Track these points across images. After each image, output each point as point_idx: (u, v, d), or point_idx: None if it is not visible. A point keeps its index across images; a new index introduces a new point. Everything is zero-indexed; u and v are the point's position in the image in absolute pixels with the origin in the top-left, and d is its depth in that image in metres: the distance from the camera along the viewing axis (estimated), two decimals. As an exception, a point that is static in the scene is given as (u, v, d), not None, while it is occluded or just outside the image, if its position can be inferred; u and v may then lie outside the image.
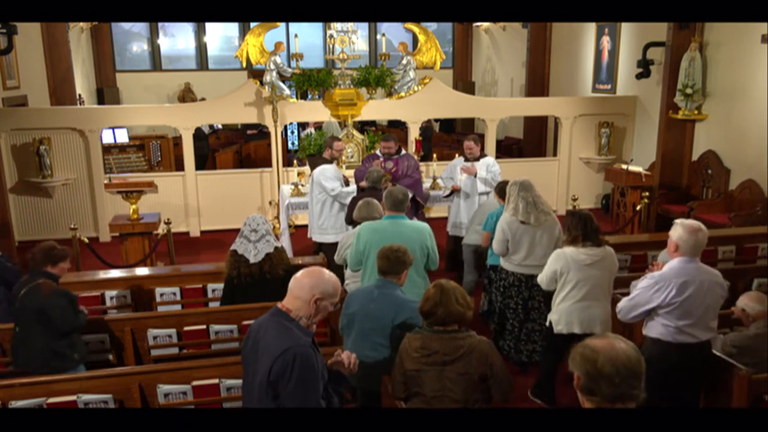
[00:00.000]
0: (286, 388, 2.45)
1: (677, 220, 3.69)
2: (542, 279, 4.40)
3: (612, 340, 1.96)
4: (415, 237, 4.41)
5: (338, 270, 5.70)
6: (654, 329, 3.63)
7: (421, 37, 9.73)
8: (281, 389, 2.47)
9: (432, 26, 14.70)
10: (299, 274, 2.66)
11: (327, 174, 6.50)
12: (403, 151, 7.18)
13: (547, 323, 4.48)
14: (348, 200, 6.33)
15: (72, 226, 6.98)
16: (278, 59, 9.37)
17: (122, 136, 11.74)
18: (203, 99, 13.55)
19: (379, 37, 15.94)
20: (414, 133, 9.59)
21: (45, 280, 4.10)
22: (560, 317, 4.30)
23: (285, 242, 7.11)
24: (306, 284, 2.58)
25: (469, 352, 3.03)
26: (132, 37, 15.67)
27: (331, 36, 8.75)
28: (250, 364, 2.65)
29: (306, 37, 14.17)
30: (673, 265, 3.59)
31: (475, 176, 6.79)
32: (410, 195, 6.70)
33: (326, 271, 2.68)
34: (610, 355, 1.89)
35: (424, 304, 3.13)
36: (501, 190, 5.53)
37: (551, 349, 4.57)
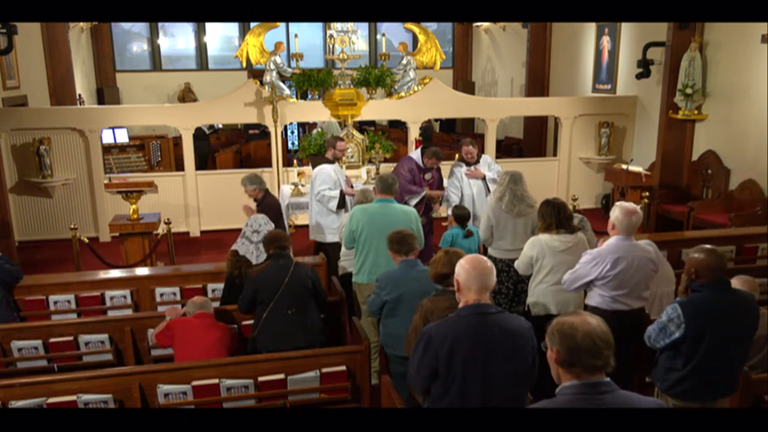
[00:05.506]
0: (537, 357, 2.74)
1: (617, 203, 4.07)
2: (519, 264, 4.62)
3: (585, 316, 2.12)
4: (402, 218, 4.83)
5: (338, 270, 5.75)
6: (593, 299, 4.09)
7: (421, 37, 9.74)
8: (537, 360, 2.77)
9: (432, 26, 14.71)
10: (483, 270, 2.82)
11: (320, 176, 6.45)
12: None
13: (525, 308, 4.66)
14: (330, 204, 6.37)
15: (72, 226, 6.98)
16: (278, 59, 9.37)
17: (122, 136, 11.74)
18: (195, 100, 13.55)
19: (379, 37, 15.94)
20: (414, 133, 9.59)
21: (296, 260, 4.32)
22: (537, 300, 4.51)
23: (285, 242, 7.09)
24: (493, 277, 2.84)
25: None
26: (132, 37, 15.67)
27: (331, 36, 8.75)
28: (477, 366, 2.71)
29: (306, 37, 14.19)
30: (610, 242, 4.04)
31: (484, 179, 6.81)
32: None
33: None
34: (587, 330, 2.06)
35: (441, 268, 3.35)
36: (457, 215, 5.87)
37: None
